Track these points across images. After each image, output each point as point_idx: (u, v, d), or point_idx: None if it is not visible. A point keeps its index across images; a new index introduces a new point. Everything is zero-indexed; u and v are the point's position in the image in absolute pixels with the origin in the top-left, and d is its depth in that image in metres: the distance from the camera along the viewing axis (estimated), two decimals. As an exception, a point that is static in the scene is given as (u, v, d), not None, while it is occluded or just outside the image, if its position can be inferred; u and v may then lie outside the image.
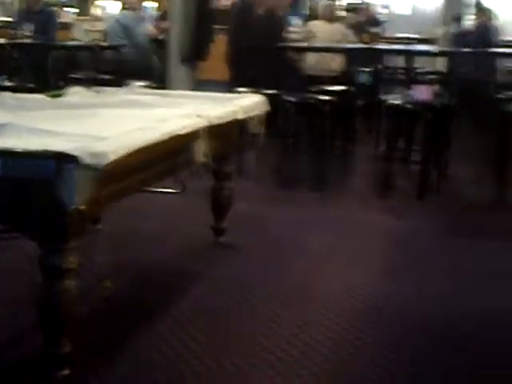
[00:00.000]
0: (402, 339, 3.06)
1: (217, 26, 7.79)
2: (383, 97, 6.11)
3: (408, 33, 12.26)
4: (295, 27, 7.68)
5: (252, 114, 3.94)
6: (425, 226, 4.80)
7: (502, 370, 2.83)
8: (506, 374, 2.81)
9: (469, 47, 7.32)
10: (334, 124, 5.88)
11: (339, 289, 3.62)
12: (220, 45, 7.48)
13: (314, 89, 6.20)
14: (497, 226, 4.88)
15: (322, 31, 7.46)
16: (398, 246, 4.41)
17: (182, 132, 2.92)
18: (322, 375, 2.70)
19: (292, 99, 5.77)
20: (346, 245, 4.37)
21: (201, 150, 3.23)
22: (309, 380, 2.65)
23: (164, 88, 6.15)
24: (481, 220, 5.05)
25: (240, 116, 3.73)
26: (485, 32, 8.61)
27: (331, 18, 7.68)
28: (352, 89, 6.38)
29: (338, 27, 7.65)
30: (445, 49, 7.37)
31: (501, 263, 4.10)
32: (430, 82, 6.76)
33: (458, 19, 10.38)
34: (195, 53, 7.29)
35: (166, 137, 2.74)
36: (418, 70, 8.36)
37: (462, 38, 8.38)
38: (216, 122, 3.36)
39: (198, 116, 3.24)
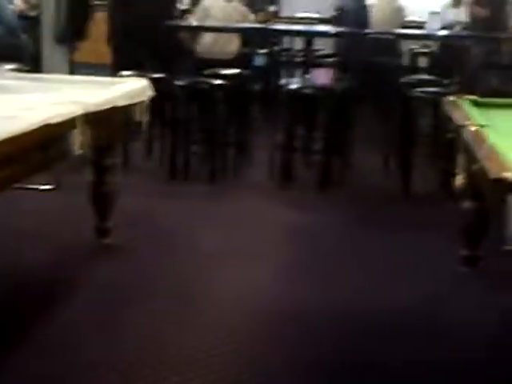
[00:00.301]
0: (306, 338, 3.13)
1: (97, 1, 7.58)
2: (281, 81, 6.15)
3: (308, 12, 12.43)
4: (186, 4, 7.60)
5: (136, 100, 3.86)
6: (328, 218, 4.88)
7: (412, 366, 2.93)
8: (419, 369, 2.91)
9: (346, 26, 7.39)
10: (228, 111, 5.87)
11: (232, 289, 3.63)
12: (101, 23, 7.27)
13: (207, 72, 6.16)
14: (402, 216, 5.02)
15: (219, 9, 7.35)
16: (298, 241, 4.46)
17: (54, 121, 2.82)
18: (228, 379, 2.74)
19: (182, 83, 5.71)
20: (243, 241, 4.37)
21: (77, 141, 3.14)
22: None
23: (37, 72, 5.93)
24: (385, 211, 5.18)
25: (122, 102, 3.64)
26: (360, 10, 8.63)
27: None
28: (247, 72, 6.37)
29: (236, 5, 7.57)
30: (343, 29, 7.46)
31: (406, 255, 4.23)
32: (330, 65, 6.84)
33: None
34: (72, 32, 7.07)
35: (34, 127, 2.64)
36: (319, 53, 8.46)
37: (341, 16, 8.41)
38: (94, 109, 3.27)
39: (74, 103, 3.14)
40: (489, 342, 3.05)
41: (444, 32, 7.62)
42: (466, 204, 3.63)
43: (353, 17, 7.94)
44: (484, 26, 7.58)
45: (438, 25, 6.84)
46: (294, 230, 4.66)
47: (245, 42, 7.40)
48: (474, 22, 7.74)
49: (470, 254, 3.86)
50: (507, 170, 2.26)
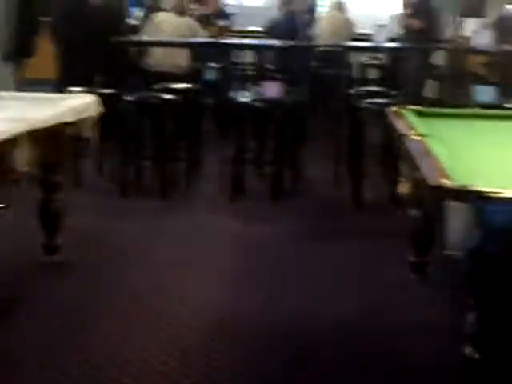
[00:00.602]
0: (251, 352, 3.13)
1: (44, 18, 7.51)
2: (231, 95, 6.17)
3: (260, 26, 12.53)
4: (136, 19, 7.58)
5: (84, 116, 3.86)
6: (279, 229, 4.91)
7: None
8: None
9: (278, 38, 7.45)
10: (179, 125, 5.87)
11: (184, 303, 3.62)
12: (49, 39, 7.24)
13: (157, 87, 6.15)
14: (352, 226, 5.09)
15: (169, 24, 7.35)
16: (249, 253, 4.46)
17: (-4, 139, 2.80)
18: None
19: (132, 99, 5.70)
20: (195, 254, 4.37)
21: (23, 159, 3.12)
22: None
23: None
24: (336, 221, 5.23)
25: (69, 119, 3.64)
26: (291, 21, 8.70)
27: (182, 10, 7.55)
28: (198, 87, 6.38)
29: (187, 20, 7.58)
30: (294, 43, 7.54)
31: (356, 264, 4.28)
32: (280, 79, 6.89)
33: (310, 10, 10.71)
34: (19, 48, 7.01)
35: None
36: (269, 66, 8.53)
37: (274, 28, 8.49)
38: (40, 125, 3.26)
39: (18, 120, 3.12)
40: (436, 348, 3.11)
41: (390, 44, 7.76)
42: (413, 212, 3.70)
43: (283, 29, 8.04)
44: (418, 38, 7.72)
45: (383, 37, 6.95)
46: (246, 241, 4.67)
47: (195, 57, 7.42)
48: (408, 34, 7.85)
49: (417, 260, 3.93)
50: (445, 177, 2.32)
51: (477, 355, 2.29)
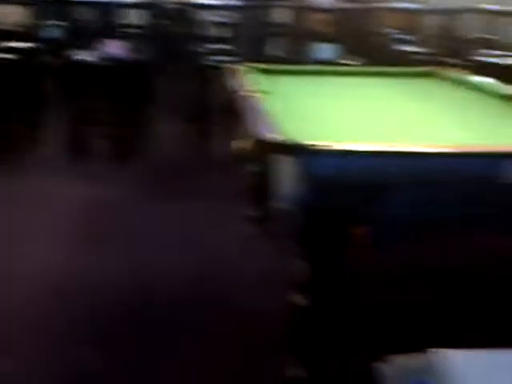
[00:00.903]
0: (97, 309, 3.15)
1: None
2: (75, 53, 5.97)
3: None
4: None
5: None
6: (125, 191, 4.85)
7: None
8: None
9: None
10: (19, 86, 5.63)
11: (34, 267, 3.55)
12: None
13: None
14: (200, 184, 5.09)
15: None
16: (93, 215, 4.39)
17: None
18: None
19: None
20: (38, 218, 4.27)
21: None
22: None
23: None
24: (184, 180, 5.24)
25: None
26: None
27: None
28: (38, 45, 6.14)
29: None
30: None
31: (201, 221, 4.32)
32: (127, 36, 6.75)
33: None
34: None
35: None
36: (114, 23, 8.32)
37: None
38: None
39: None
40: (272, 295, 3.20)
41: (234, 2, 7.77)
42: (249, 167, 3.76)
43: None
44: None
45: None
46: (90, 203, 4.58)
47: (37, 14, 7.12)
48: None
49: (256, 214, 4.02)
50: (275, 132, 2.36)
51: (305, 301, 2.38)
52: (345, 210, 2.25)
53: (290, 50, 7.33)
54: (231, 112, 3.64)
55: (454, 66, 5.19)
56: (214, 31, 9.16)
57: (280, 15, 8.72)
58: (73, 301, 3.23)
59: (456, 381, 0.88)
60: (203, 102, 5.76)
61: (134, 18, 7.99)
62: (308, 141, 2.20)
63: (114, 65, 5.48)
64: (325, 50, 5.73)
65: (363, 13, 7.76)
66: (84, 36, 7.94)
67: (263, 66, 4.17)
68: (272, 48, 8.23)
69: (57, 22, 7.34)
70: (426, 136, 2.65)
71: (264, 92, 3.20)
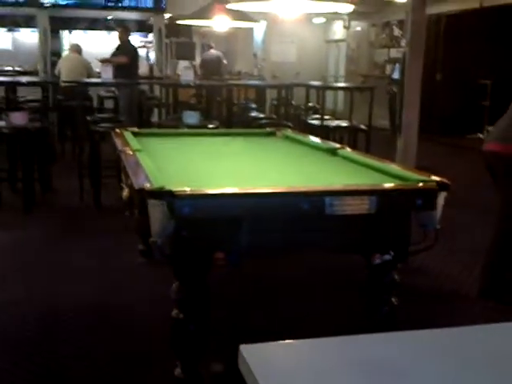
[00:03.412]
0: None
1: None
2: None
3: (12, 66, 11.82)
4: None
5: None
6: (31, 234, 4.65)
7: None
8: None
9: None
10: None
11: None
12: None
13: None
14: (94, 226, 4.95)
15: None
16: (5, 256, 4.17)
17: None
18: None
19: None
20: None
21: None
22: None
23: None
24: (81, 223, 5.08)
25: None
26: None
27: None
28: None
29: None
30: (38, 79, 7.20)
31: (96, 256, 4.18)
32: (27, 109, 6.53)
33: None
34: None
35: None
36: (21, 99, 8.07)
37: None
38: None
39: None
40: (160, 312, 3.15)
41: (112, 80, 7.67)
42: (136, 211, 3.69)
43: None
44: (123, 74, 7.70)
45: (110, 74, 6.84)
46: (3, 247, 4.34)
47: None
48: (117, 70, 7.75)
49: (144, 248, 3.95)
50: (147, 182, 2.35)
51: (181, 315, 2.36)
52: (204, 239, 2.26)
53: (164, 117, 7.33)
54: (117, 166, 3.59)
55: (288, 127, 5.38)
56: (101, 103, 9.10)
57: (156, 90, 8.81)
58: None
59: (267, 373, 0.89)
60: (95, 159, 5.61)
61: (33, 94, 7.81)
62: (170, 187, 2.19)
63: (18, 132, 5.27)
64: (191, 116, 5.75)
65: (220, 87, 7.92)
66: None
67: (136, 129, 4.16)
68: (150, 115, 8.28)
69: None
70: (268, 180, 2.70)
71: (136, 150, 3.17)
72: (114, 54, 8.27)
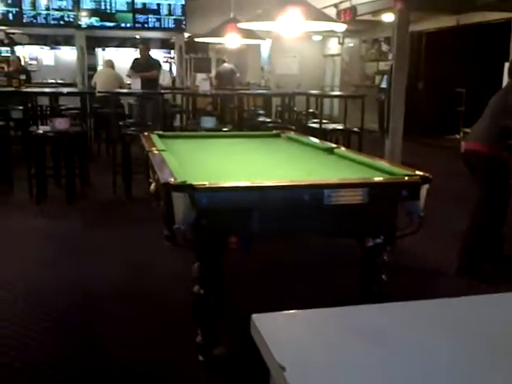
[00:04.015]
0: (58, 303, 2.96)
1: None
2: (33, 128, 5.72)
3: (55, 79, 11.85)
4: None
5: None
6: (73, 223, 4.65)
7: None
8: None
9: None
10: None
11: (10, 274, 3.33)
12: None
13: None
14: (127, 215, 4.96)
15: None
16: (50, 241, 4.16)
17: None
18: None
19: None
20: (6, 245, 4.02)
21: None
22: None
23: None
24: (115, 213, 5.07)
25: None
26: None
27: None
28: (7, 123, 5.87)
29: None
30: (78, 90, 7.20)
31: (132, 241, 4.17)
32: (69, 116, 6.55)
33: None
34: None
35: None
36: (63, 107, 8.09)
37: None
38: None
39: None
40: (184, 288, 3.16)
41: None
42: (162, 202, 3.69)
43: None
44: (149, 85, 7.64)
45: (139, 85, 6.84)
46: (49, 233, 4.37)
47: (3, 101, 6.78)
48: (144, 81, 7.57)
49: (169, 233, 3.95)
50: (171, 177, 2.35)
51: (201, 291, 2.36)
52: (220, 226, 2.26)
53: (185, 121, 7.32)
54: (146, 164, 3.59)
55: (291, 130, 5.36)
56: (130, 110, 9.10)
57: (178, 99, 8.79)
58: (43, 296, 3.06)
59: (276, 341, 0.88)
60: (127, 158, 5.62)
61: (73, 102, 7.82)
62: (191, 182, 2.19)
63: (61, 135, 5.28)
64: (208, 121, 5.74)
65: (232, 96, 7.89)
66: (42, 116, 7.67)
67: (161, 132, 4.15)
68: (173, 120, 8.26)
69: (20, 107, 6.98)
70: (274, 175, 2.70)
71: (162, 150, 3.17)
72: (135, 68, 8.05)
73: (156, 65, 8.15)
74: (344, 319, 0.96)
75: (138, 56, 8.30)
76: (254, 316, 0.94)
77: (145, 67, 7.93)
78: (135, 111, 7.28)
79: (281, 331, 0.91)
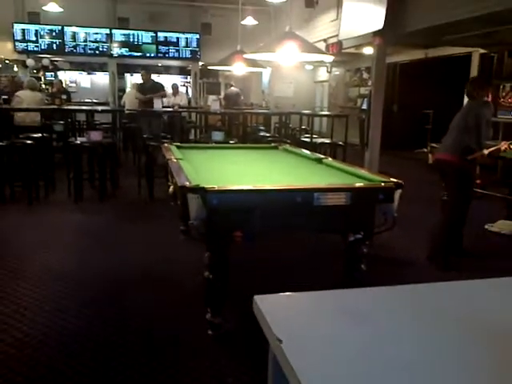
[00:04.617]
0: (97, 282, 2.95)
1: None
2: (72, 139, 5.72)
3: (90, 98, 11.86)
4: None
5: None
6: (105, 218, 4.64)
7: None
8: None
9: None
10: (38, 159, 5.34)
11: (46, 267, 3.30)
12: None
13: (22, 136, 5.54)
14: (150, 213, 4.94)
15: (28, 97, 6.70)
16: (87, 233, 4.17)
17: None
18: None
19: (2, 144, 5.02)
20: (53, 236, 4.00)
21: None
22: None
23: None
24: (140, 211, 5.06)
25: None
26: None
27: (34, 88, 6.90)
28: (50, 135, 5.87)
29: (38, 95, 6.93)
30: (109, 108, 7.20)
31: (154, 235, 4.15)
32: (102, 129, 6.55)
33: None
34: None
35: None
36: (97, 122, 8.10)
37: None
38: None
39: None
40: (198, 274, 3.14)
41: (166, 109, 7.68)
42: (178, 201, 3.68)
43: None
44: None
45: (160, 105, 6.83)
46: (85, 227, 4.36)
47: (48, 116, 6.77)
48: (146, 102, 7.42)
49: (184, 228, 3.94)
50: (187, 181, 2.34)
51: (211, 276, 2.36)
52: (227, 222, 2.26)
53: (199, 135, 7.31)
54: (165, 170, 3.57)
55: (287, 143, 5.35)
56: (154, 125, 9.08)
57: (193, 116, 8.77)
58: (80, 277, 3.05)
59: (279, 320, 0.88)
60: (150, 165, 5.61)
61: (105, 118, 7.81)
62: (203, 185, 2.20)
63: (95, 145, 5.28)
64: (217, 135, 5.74)
65: (238, 115, 7.89)
66: (80, 129, 7.66)
67: (178, 144, 4.14)
68: (189, 134, 8.25)
69: (61, 121, 6.98)
70: (272, 180, 2.69)
71: (179, 158, 3.16)
72: (143, 91, 7.62)
73: (163, 87, 7.75)
74: (333, 300, 0.96)
75: (141, 81, 7.78)
76: (256, 297, 0.94)
77: (152, 90, 7.56)
78: (144, 126, 7.09)
79: (279, 310, 0.91)
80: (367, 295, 1.01)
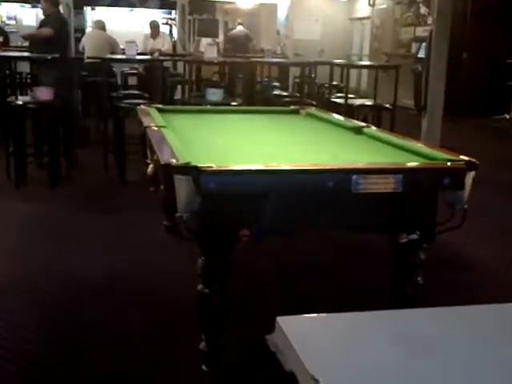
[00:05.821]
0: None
1: None
2: (10, 99, 5.74)
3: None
4: None
5: None
6: (57, 208, 4.71)
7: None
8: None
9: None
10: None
11: None
12: None
13: None
14: (119, 200, 4.99)
15: None
16: (31, 227, 4.25)
17: None
18: None
19: None
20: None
21: None
22: None
23: None
24: (106, 197, 5.11)
25: None
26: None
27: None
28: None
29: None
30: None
31: (123, 229, 4.22)
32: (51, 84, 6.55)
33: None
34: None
35: None
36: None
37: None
38: None
39: None
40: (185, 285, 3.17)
41: (141, 57, 7.71)
42: (161, 186, 3.70)
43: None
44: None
45: (134, 51, 6.82)
46: (28, 219, 4.44)
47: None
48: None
49: (169, 223, 3.97)
50: (173, 157, 2.35)
51: (206, 290, 2.36)
52: (229, 215, 2.26)
53: (188, 94, 7.29)
54: (143, 143, 3.60)
55: (312, 105, 5.34)
56: (125, 80, 9.09)
57: (180, 67, 8.77)
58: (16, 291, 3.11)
59: (300, 343, 0.89)
60: (119, 135, 5.63)
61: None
62: (196, 163, 2.19)
63: (43, 107, 5.30)
64: (214, 94, 5.74)
65: (242, 65, 7.86)
66: (22, 85, 7.68)
67: (160, 106, 4.14)
68: (174, 93, 8.25)
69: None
70: (291, 158, 2.68)
71: (161, 126, 3.17)
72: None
73: (57, 22, 6.85)
74: (384, 324, 0.96)
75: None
76: (280, 318, 0.94)
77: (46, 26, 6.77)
78: (133, 81, 7.05)
79: (311, 337, 0.91)
80: (434, 318, 1.01)
